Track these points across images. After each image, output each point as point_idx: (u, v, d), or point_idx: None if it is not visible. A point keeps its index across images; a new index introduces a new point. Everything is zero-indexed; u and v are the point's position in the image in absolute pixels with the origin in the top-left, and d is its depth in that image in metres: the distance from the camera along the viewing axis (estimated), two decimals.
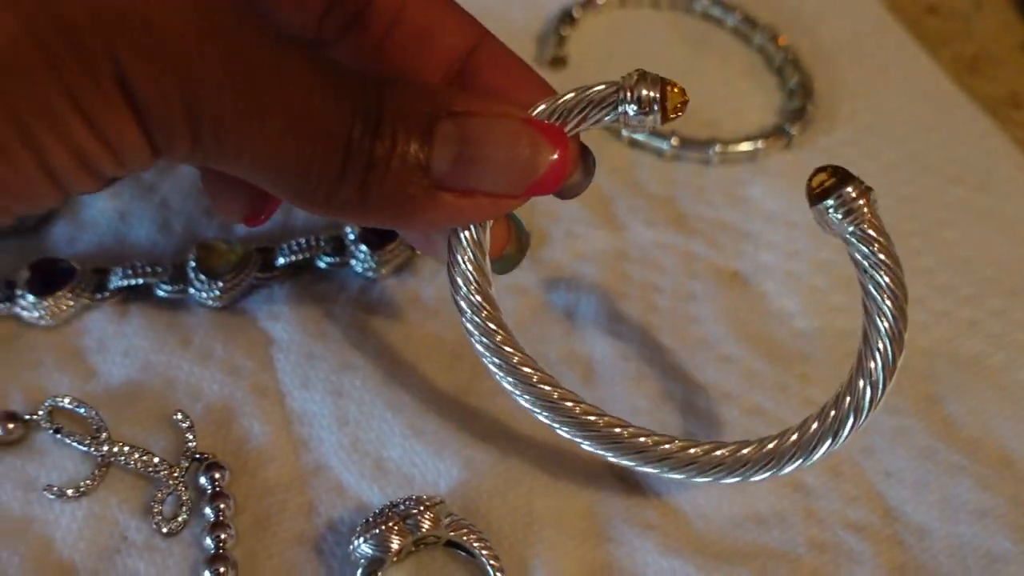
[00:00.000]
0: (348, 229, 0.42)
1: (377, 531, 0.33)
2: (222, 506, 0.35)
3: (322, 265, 0.42)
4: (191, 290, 0.40)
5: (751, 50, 0.54)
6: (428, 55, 0.34)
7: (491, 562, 0.34)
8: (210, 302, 0.40)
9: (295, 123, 0.28)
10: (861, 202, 0.32)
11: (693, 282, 0.43)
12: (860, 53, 0.53)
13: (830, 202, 0.32)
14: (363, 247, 0.42)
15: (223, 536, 0.35)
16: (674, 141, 0.47)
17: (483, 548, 0.34)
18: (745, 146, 0.48)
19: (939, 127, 0.50)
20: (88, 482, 0.35)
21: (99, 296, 0.40)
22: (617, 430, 0.33)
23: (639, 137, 0.48)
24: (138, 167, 0.28)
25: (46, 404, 0.36)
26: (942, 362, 0.41)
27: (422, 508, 0.34)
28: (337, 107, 0.28)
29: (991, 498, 0.37)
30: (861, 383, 0.32)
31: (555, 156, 0.30)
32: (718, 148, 0.47)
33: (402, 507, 0.34)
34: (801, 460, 0.32)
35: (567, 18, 0.53)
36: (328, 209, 0.30)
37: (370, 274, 0.42)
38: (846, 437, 0.32)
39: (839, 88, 0.52)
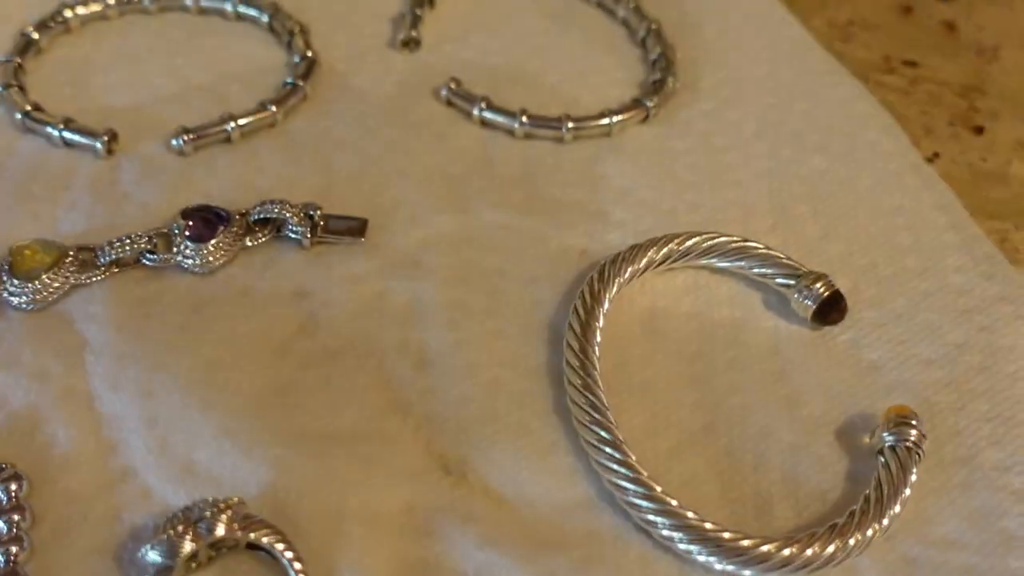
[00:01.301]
0: (175, 224, 0.40)
1: (165, 537, 0.32)
2: (16, 518, 0.34)
3: (148, 262, 0.40)
4: (4, 294, 0.39)
5: (615, 23, 0.52)
6: None
7: (294, 564, 0.32)
8: (23, 306, 0.39)
9: None
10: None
11: (539, 264, 0.41)
12: (727, 22, 0.52)
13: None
14: (189, 242, 0.40)
15: (14, 550, 0.33)
16: (524, 119, 0.45)
17: (285, 549, 0.33)
18: (599, 122, 0.46)
19: (805, 95, 0.48)
20: None
21: None
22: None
23: (489, 116, 0.46)
24: None
25: None
26: (790, 342, 0.39)
27: (216, 510, 0.32)
28: None
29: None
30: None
31: None
32: (570, 125, 0.45)
33: (195, 510, 0.32)
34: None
35: None
36: None
37: (198, 269, 0.40)
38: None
39: (704, 59, 0.50)
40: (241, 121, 0.45)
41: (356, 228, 0.42)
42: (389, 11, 0.52)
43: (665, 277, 0.41)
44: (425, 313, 0.39)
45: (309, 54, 0.48)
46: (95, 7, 0.50)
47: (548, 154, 0.46)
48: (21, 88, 0.46)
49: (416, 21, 0.50)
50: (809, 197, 0.44)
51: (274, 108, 0.45)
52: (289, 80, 0.47)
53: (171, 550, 0.32)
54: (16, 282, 0.38)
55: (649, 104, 0.47)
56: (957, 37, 0.52)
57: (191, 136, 0.44)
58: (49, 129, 0.44)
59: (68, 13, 0.49)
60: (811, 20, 0.52)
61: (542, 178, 0.44)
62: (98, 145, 0.44)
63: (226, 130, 0.45)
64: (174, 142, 0.44)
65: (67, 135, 0.44)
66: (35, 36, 0.48)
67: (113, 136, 0.44)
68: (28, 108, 0.45)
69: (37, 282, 0.39)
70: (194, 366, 0.37)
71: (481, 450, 0.36)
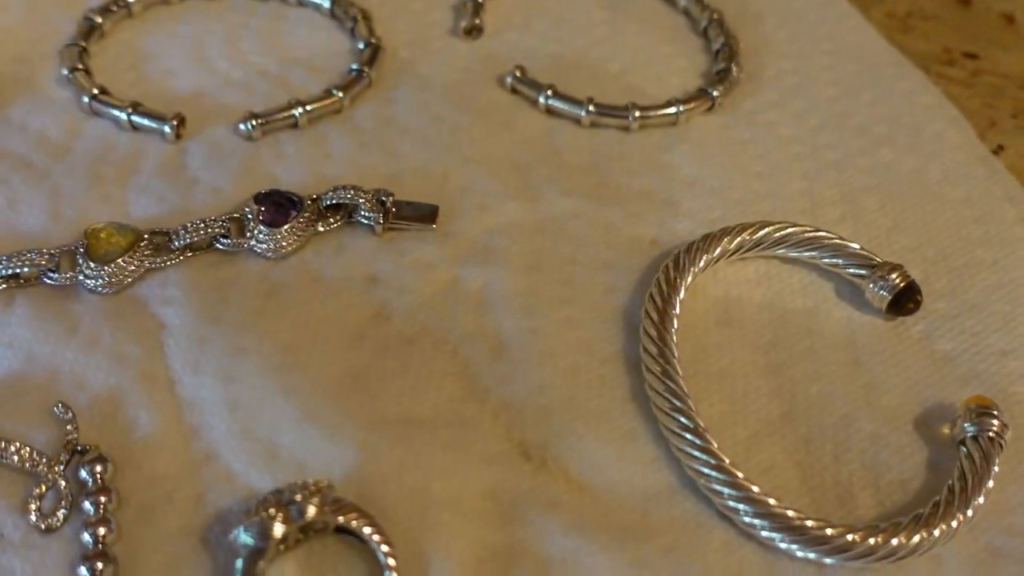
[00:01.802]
0: (247, 209, 0.40)
1: (257, 519, 0.32)
2: (103, 500, 0.34)
3: (221, 247, 0.40)
4: (80, 277, 0.39)
5: (676, 12, 0.52)
6: None
7: (382, 547, 0.33)
8: (100, 289, 0.39)
9: None
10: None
11: (609, 252, 0.41)
12: (788, 12, 0.52)
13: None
14: (263, 227, 0.40)
15: (102, 531, 0.33)
16: (591, 107, 0.45)
17: (374, 533, 0.33)
18: (666, 111, 0.46)
19: (868, 87, 0.48)
20: None
21: None
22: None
23: (556, 104, 0.46)
24: None
25: None
26: (863, 332, 0.39)
27: (307, 493, 0.32)
28: None
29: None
30: None
31: None
32: (637, 114, 0.45)
33: (286, 493, 0.32)
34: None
35: None
36: None
37: (271, 255, 0.40)
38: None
39: (766, 49, 0.50)
40: (309, 107, 0.45)
41: (427, 215, 0.42)
42: None
43: (737, 266, 0.41)
44: (498, 300, 0.39)
45: (373, 40, 0.48)
46: None
47: (615, 143, 0.46)
48: (87, 71, 0.46)
49: (478, 9, 0.50)
50: (877, 188, 0.44)
51: (340, 94, 0.45)
52: (354, 66, 0.47)
53: (263, 532, 0.32)
54: (93, 265, 0.38)
55: (715, 93, 0.47)
56: (1016, 29, 0.52)
57: (259, 121, 0.44)
58: (117, 112, 0.44)
59: None
60: (870, 11, 0.52)
61: (609, 167, 0.44)
62: (167, 129, 0.44)
63: (294, 115, 0.45)
64: (242, 126, 0.44)
65: (135, 119, 0.44)
66: (98, 20, 0.48)
67: (181, 120, 0.44)
68: (95, 91, 0.45)
69: (113, 265, 0.39)
70: (272, 351, 0.37)
71: (561, 436, 0.36)
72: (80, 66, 0.46)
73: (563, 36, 0.50)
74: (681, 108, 0.46)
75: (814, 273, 0.41)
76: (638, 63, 0.49)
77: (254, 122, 0.44)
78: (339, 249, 0.41)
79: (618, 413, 0.37)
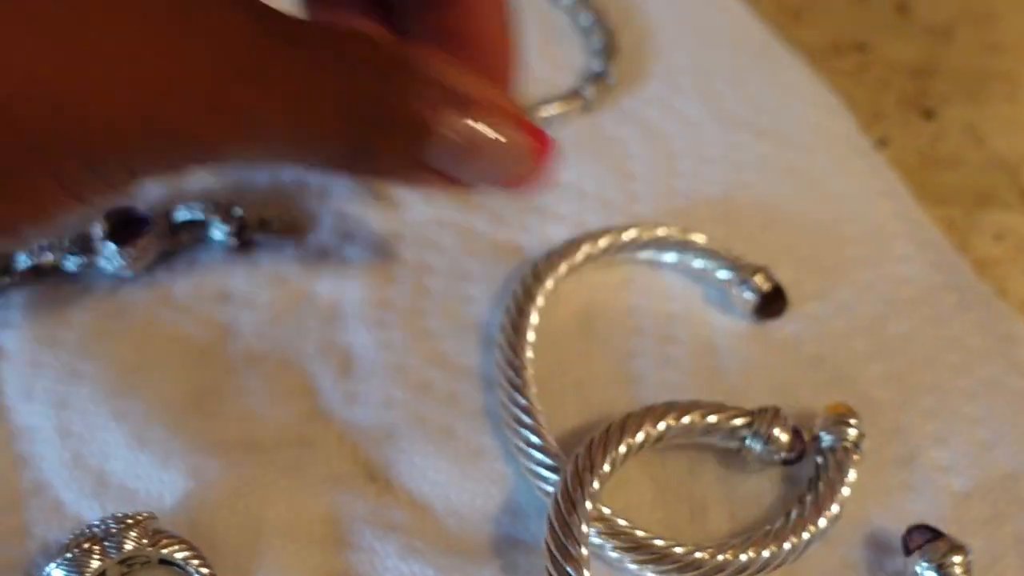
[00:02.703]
0: (96, 226, 0.39)
1: (70, 555, 0.30)
2: None
3: (71, 267, 0.39)
4: None
5: (557, 10, 0.50)
6: None
7: None
8: None
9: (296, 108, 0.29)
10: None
11: (471, 260, 0.40)
12: (673, 6, 0.50)
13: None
14: (111, 244, 0.39)
15: None
16: None
17: (199, 565, 0.31)
18: (538, 113, 0.44)
19: (751, 79, 0.47)
20: None
21: None
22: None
23: None
24: None
25: None
26: (728, 337, 0.38)
27: (124, 526, 0.31)
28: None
29: None
30: None
31: (540, 163, 0.32)
32: None
33: (101, 526, 0.31)
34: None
35: None
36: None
37: (121, 273, 0.39)
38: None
39: (648, 44, 0.49)
40: None
41: (283, 226, 0.40)
42: None
43: (603, 272, 0.40)
44: (351, 314, 0.38)
45: None
46: None
47: None
48: None
49: None
50: (755, 185, 0.43)
51: None
52: None
53: (79, 568, 0.30)
54: None
55: (586, 93, 0.45)
56: (908, 18, 0.51)
57: None
58: None
59: None
60: (759, 2, 0.50)
61: None
62: None
63: None
64: None
65: None
66: None
67: None
68: None
69: None
70: (110, 374, 0.36)
71: (407, 455, 0.35)
72: None
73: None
74: (553, 109, 0.44)
75: (682, 277, 0.40)
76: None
77: None
78: (191, 264, 0.40)
79: (467, 430, 0.35)
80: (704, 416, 0.33)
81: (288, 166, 0.38)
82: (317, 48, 0.30)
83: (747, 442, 0.34)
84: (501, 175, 0.32)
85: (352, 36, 0.31)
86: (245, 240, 0.40)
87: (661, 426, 0.33)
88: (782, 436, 0.33)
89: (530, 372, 0.36)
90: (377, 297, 0.39)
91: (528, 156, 0.32)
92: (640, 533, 0.32)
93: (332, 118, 0.30)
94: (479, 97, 0.31)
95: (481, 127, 0.30)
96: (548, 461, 0.34)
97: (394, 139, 0.30)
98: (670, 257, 0.39)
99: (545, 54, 0.49)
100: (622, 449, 0.32)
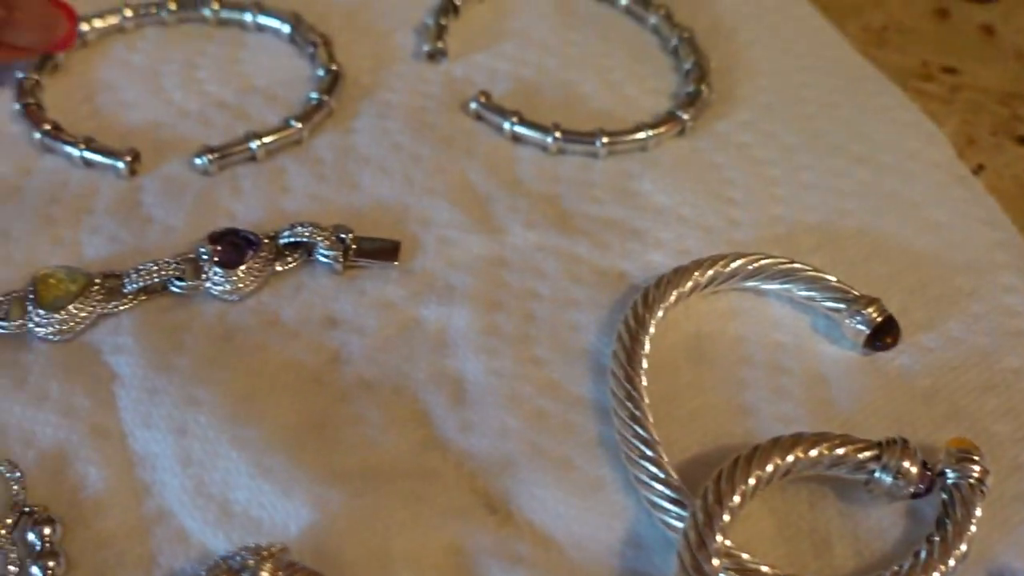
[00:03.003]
0: (202, 249, 0.39)
1: None
2: (51, 564, 0.32)
3: (176, 290, 0.39)
4: (30, 325, 0.37)
5: (645, 31, 0.50)
6: None
7: None
8: (50, 337, 0.37)
9: None
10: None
11: (575, 287, 0.40)
12: (761, 28, 0.50)
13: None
14: (218, 268, 0.39)
15: None
16: (558, 134, 0.44)
17: None
18: (635, 136, 0.44)
19: (844, 103, 0.47)
20: None
21: None
22: None
23: (521, 131, 0.44)
24: None
25: None
26: (839, 368, 0.38)
27: (259, 559, 0.31)
28: None
29: None
30: None
31: (68, 27, 0.45)
32: (605, 140, 0.44)
33: (237, 559, 0.31)
34: None
35: (449, 6, 0.49)
36: None
37: (227, 296, 0.39)
38: None
39: (738, 67, 0.49)
40: (266, 139, 0.43)
41: (388, 251, 0.40)
42: (413, 20, 0.50)
43: (709, 300, 0.40)
44: (460, 341, 0.38)
45: (334, 67, 0.46)
46: (112, 20, 0.48)
47: (582, 170, 0.44)
48: (39, 106, 0.44)
49: (441, 31, 0.49)
50: (855, 212, 0.43)
51: (299, 125, 0.44)
52: (314, 95, 0.45)
53: None
54: (42, 312, 0.37)
55: (685, 116, 0.45)
56: (996, 42, 0.51)
57: (215, 155, 0.43)
58: (69, 149, 0.43)
59: (84, 27, 0.47)
60: (845, 25, 0.51)
61: (576, 196, 0.43)
62: (120, 165, 0.42)
63: (251, 148, 0.43)
64: (197, 161, 0.43)
65: (88, 155, 0.43)
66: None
67: (136, 156, 0.43)
68: (47, 127, 0.43)
69: (64, 312, 0.37)
70: (226, 400, 0.36)
71: (526, 486, 0.35)
72: (32, 100, 0.44)
73: (530, 58, 0.48)
74: (650, 132, 0.45)
75: (788, 306, 0.40)
76: (606, 85, 0.48)
77: (210, 156, 0.43)
78: (298, 289, 0.40)
79: (585, 460, 0.35)
80: (832, 448, 0.33)
81: None
82: None
83: (876, 475, 0.33)
84: (40, 39, 0.44)
85: None
86: (350, 264, 0.40)
87: (790, 458, 0.33)
88: (912, 469, 0.33)
89: (647, 402, 0.36)
90: (484, 324, 0.39)
91: (59, 23, 0.44)
92: (766, 569, 0.32)
93: None
94: None
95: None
96: (671, 494, 0.34)
97: None
98: (777, 286, 0.39)
99: (633, 73, 0.49)
100: (751, 481, 0.32)
